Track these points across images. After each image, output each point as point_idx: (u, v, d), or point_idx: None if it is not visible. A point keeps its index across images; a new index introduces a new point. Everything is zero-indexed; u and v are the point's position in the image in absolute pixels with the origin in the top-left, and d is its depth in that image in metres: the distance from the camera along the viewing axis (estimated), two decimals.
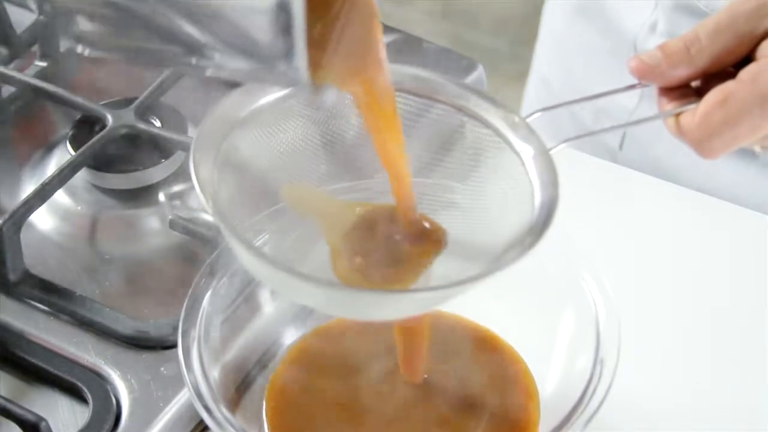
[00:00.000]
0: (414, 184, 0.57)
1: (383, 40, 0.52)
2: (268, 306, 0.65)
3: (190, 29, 0.46)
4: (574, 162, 0.78)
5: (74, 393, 0.63)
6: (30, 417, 0.59)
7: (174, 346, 0.59)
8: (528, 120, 0.56)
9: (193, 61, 0.47)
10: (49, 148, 0.77)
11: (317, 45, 0.47)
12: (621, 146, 0.88)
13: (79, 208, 0.73)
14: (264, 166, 0.56)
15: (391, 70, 0.53)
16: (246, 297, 0.63)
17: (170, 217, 0.68)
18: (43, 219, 0.72)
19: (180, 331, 0.58)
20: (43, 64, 0.82)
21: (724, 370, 0.67)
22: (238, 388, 0.61)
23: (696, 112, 0.55)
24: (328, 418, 0.61)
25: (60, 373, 0.63)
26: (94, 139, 0.73)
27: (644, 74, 0.56)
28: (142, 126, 0.74)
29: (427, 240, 0.56)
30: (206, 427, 0.59)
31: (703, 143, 0.55)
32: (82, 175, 0.74)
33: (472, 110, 0.57)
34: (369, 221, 0.57)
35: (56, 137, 0.78)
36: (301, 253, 0.58)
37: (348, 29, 0.49)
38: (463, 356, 0.64)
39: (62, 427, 0.61)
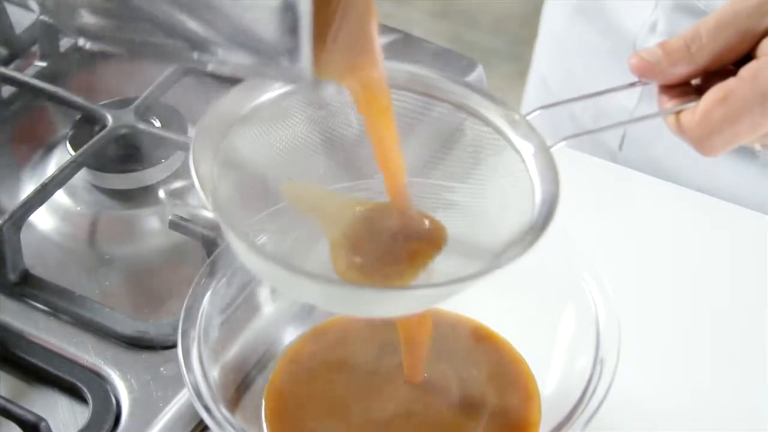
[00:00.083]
0: (414, 182, 0.57)
1: (378, 32, 0.52)
2: (267, 306, 0.65)
3: (193, 23, 0.46)
4: (574, 162, 0.78)
5: (74, 393, 0.63)
6: (30, 417, 0.59)
7: (174, 346, 0.59)
8: (528, 118, 0.56)
9: (196, 55, 0.47)
10: (49, 148, 0.77)
11: (316, 40, 0.47)
12: (621, 146, 0.88)
13: (79, 208, 0.73)
14: (264, 163, 0.56)
15: (389, 67, 0.53)
16: (246, 297, 0.63)
17: (170, 217, 0.68)
18: (43, 219, 0.72)
19: (180, 331, 0.58)
20: (43, 64, 0.82)
21: (724, 370, 0.67)
22: (238, 388, 0.61)
23: (696, 109, 0.55)
24: (327, 418, 0.61)
25: (60, 373, 0.63)
26: (94, 139, 0.73)
27: (644, 72, 0.56)
28: (142, 126, 0.74)
29: (427, 237, 0.56)
30: (206, 427, 0.59)
31: (703, 141, 0.55)
32: (82, 175, 0.74)
33: (472, 108, 0.57)
34: (369, 218, 0.57)
35: (56, 137, 0.78)
36: (301, 253, 0.58)
37: (346, 23, 0.49)
38: (463, 356, 0.64)
39: (62, 427, 0.61)
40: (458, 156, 0.58)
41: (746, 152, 0.81)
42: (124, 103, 0.76)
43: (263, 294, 0.64)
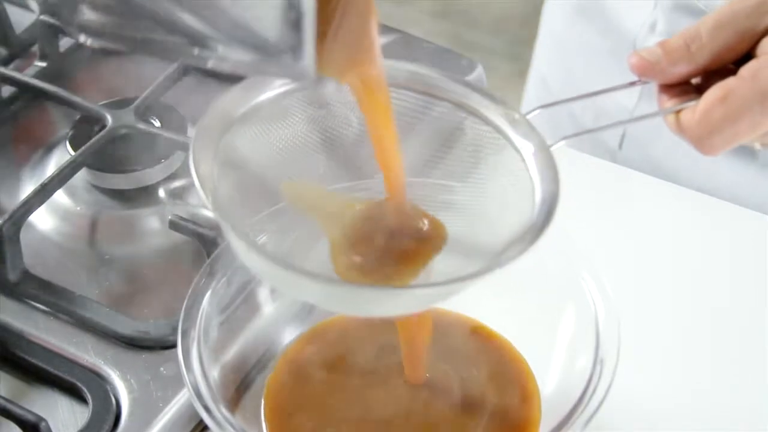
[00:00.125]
0: (414, 181, 0.56)
1: (378, 31, 0.52)
2: (267, 306, 0.65)
3: (195, 20, 0.46)
4: (573, 161, 0.78)
5: (74, 393, 0.63)
6: (30, 417, 0.59)
7: (174, 346, 0.59)
8: (528, 117, 0.56)
9: (196, 52, 0.47)
10: (49, 148, 0.77)
11: (317, 37, 0.47)
12: (620, 146, 0.88)
13: (78, 208, 0.73)
14: (264, 162, 0.56)
15: (389, 66, 0.53)
16: (245, 297, 0.63)
17: (170, 217, 0.68)
18: (43, 219, 0.72)
19: (180, 331, 0.58)
20: (43, 64, 0.82)
21: (724, 370, 0.67)
22: (238, 388, 0.61)
23: (696, 109, 0.55)
24: (327, 417, 0.61)
25: (60, 373, 0.63)
26: (93, 140, 0.73)
27: (644, 71, 0.56)
28: (141, 126, 0.74)
29: (427, 236, 0.56)
30: (206, 427, 0.59)
31: (703, 140, 0.55)
32: (82, 175, 0.74)
33: (472, 107, 0.57)
34: (369, 218, 0.57)
35: (56, 137, 0.78)
36: (301, 252, 0.58)
37: (346, 20, 0.50)
38: (463, 355, 0.64)
39: (62, 427, 0.61)
40: (458, 155, 0.58)
41: (746, 152, 0.81)
42: (123, 103, 0.76)
43: (263, 294, 0.64)
